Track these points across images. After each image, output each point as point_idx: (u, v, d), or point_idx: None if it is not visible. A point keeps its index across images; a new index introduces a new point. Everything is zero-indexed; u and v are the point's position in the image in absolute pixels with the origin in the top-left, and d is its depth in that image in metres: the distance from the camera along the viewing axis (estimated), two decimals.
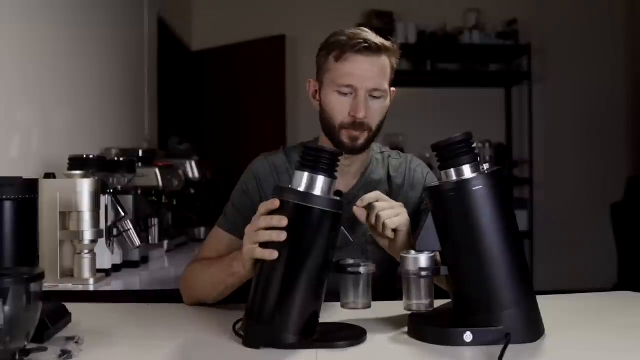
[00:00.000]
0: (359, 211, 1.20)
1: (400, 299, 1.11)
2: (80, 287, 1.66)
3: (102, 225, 1.79)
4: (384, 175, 1.47)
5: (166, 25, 4.01)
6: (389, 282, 1.47)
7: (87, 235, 1.68)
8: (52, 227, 1.64)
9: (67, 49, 2.35)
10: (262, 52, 4.70)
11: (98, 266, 1.75)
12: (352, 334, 1.08)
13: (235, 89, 4.76)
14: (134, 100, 3.32)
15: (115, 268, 1.89)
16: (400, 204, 1.24)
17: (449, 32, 4.69)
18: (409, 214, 1.26)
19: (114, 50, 2.96)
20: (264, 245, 1.04)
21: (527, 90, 4.70)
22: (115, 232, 1.88)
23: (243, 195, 1.43)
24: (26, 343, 0.90)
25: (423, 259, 1.07)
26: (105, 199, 1.83)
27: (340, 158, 1.09)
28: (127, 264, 1.97)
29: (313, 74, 1.45)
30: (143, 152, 2.54)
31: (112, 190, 1.89)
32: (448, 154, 1.07)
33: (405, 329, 1.11)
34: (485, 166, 1.07)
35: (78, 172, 1.73)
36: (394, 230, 1.20)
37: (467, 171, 1.06)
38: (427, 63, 4.73)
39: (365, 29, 1.37)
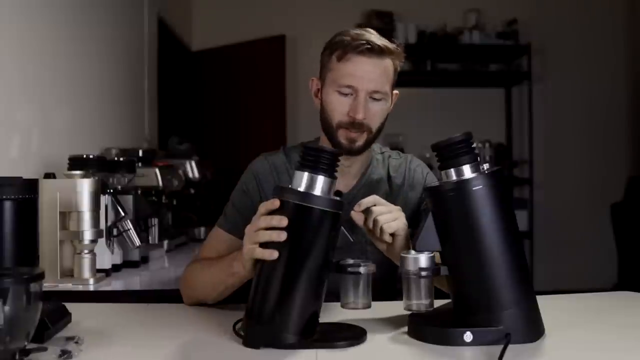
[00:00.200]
0: (356, 215, 1.19)
1: (400, 299, 1.11)
2: (80, 287, 1.66)
3: (102, 225, 1.79)
4: (384, 175, 1.47)
5: (166, 25, 4.01)
6: (389, 282, 1.46)
7: (87, 235, 1.68)
8: (52, 227, 1.64)
9: (67, 49, 2.35)
10: (262, 52, 4.70)
11: (98, 266, 1.75)
12: (352, 334, 1.08)
13: (235, 89, 4.76)
14: (134, 100, 3.32)
15: (115, 268, 1.89)
16: (398, 207, 1.23)
17: (449, 32, 4.69)
18: (409, 214, 1.25)
19: (114, 50, 2.96)
20: (264, 245, 1.04)
21: (527, 90, 4.70)
22: (115, 232, 1.88)
23: (243, 195, 1.43)
24: (26, 343, 0.90)
25: (423, 259, 1.07)
26: (105, 199, 1.83)
27: (340, 158, 1.09)
28: (127, 264, 1.97)
29: (313, 73, 1.45)
30: (143, 152, 2.54)
31: (112, 190, 1.89)
32: (448, 154, 1.07)
33: (405, 329, 1.11)
34: (485, 166, 1.07)
35: (78, 172, 1.73)
36: (392, 235, 1.20)
37: (467, 171, 1.06)
38: (427, 63, 4.72)
39: (370, 30, 1.36)
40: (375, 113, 1.34)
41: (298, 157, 1.08)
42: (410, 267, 1.07)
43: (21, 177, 1.09)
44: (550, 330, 1.09)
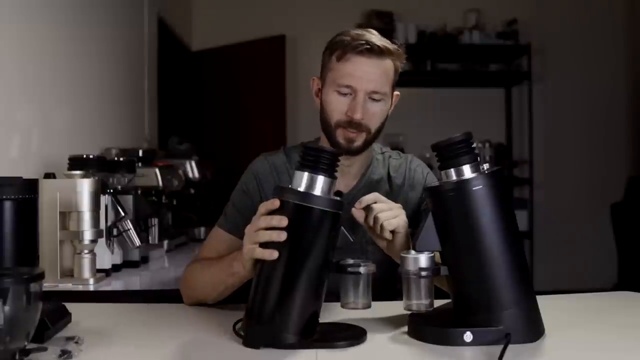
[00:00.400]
0: (357, 213, 1.20)
1: (400, 299, 1.11)
2: (80, 287, 1.66)
3: (102, 225, 1.79)
4: (384, 175, 1.47)
5: (166, 25, 4.01)
6: (389, 282, 1.46)
7: (87, 235, 1.68)
8: (52, 227, 1.64)
9: (67, 49, 2.35)
10: (262, 52, 4.70)
11: (98, 266, 1.75)
12: (352, 334, 1.08)
13: (235, 89, 4.76)
14: (134, 100, 3.32)
15: (115, 268, 1.89)
16: (399, 205, 1.23)
17: (449, 32, 4.69)
18: (409, 214, 1.25)
19: (114, 50, 2.96)
20: (264, 245, 1.04)
21: (527, 90, 4.70)
22: (115, 232, 1.88)
23: (243, 195, 1.43)
24: (26, 343, 0.90)
25: (423, 259, 1.07)
26: (105, 199, 1.83)
27: (340, 158, 1.09)
28: (127, 264, 1.97)
29: (313, 73, 1.45)
30: (143, 152, 2.54)
31: (112, 190, 1.89)
32: (448, 154, 1.07)
33: (405, 329, 1.11)
34: (485, 166, 1.07)
35: (78, 172, 1.73)
36: (392, 232, 1.20)
37: (467, 171, 1.06)
38: (427, 63, 4.72)
39: (371, 30, 1.36)
40: (374, 113, 1.34)
41: (298, 157, 1.08)
42: (410, 267, 1.07)
43: (21, 177, 1.09)
44: (550, 330, 1.09)
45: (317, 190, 1.04)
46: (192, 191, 2.95)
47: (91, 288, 1.67)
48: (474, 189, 1.04)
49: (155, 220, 2.18)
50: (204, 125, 4.81)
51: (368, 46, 1.31)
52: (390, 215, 1.19)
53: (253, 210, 1.11)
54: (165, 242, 2.39)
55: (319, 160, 1.05)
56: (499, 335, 1.01)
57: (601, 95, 4.86)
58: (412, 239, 1.11)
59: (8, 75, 1.90)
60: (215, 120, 4.83)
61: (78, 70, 2.47)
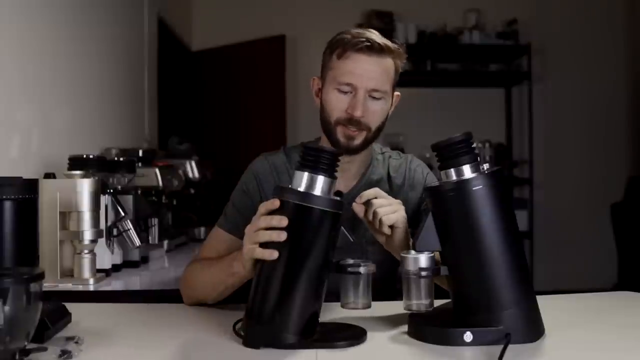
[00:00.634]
0: (357, 207, 1.20)
1: (400, 299, 1.11)
2: (80, 287, 1.66)
3: (102, 225, 1.79)
4: (384, 175, 1.47)
5: (166, 25, 4.01)
6: (389, 282, 1.47)
7: (87, 235, 1.68)
8: (52, 227, 1.64)
9: (67, 49, 2.35)
10: (262, 52, 4.70)
11: (98, 266, 1.75)
12: (352, 334, 1.08)
13: (235, 89, 4.76)
14: (134, 100, 3.32)
15: (115, 268, 1.89)
16: (398, 201, 1.24)
17: (449, 32, 4.69)
18: (409, 214, 1.26)
19: (114, 50, 2.96)
20: (264, 245, 1.04)
21: (527, 90, 4.70)
22: (115, 232, 1.88)
23: (243, 195, 1.43)
24: (26, 343, 0.90)
25: (423, 259, 1.07)
26: (105, 199, 1.83)
27: (340, 158, 1.09)
28: (127, 264, 1.97)
29: (313, 73, 1.45)
30: (143, 152, 2.54)
31: (112, 190, 1.89)
32: (448, 154, 1.07)
33: (405, 329, 1.11)
34: (485, 166, 1.07)
35: (78, 172, 1.73)
36: (391, 227, 1.20)
37: (467, 171, 1.06)
38: (427, 63, 4.72)
39: (372, 30, 1.36)
40: (374, 112, 1.34)
41: (298, 157, 1.08)
42: (410, 267, 1.07)
43: (21, 177, 1.09)
44: (550, 330, 1.09)
45: (317, 190, 1.04)
46: (192, 191, 2.95)
47: (91, 288, 1.67)
48: (474, 189, 1.04)
49: (155, 220, 2.18)
50: (204, 125, 4.81)
51: (369, 43, 1.31)
52: (390, 210, 1.19)
53: (253, 210, 1.11)
54: (165, 242, 2.39)
55: (319, 160, 1.05)
56: (499, 335, 1.01)
57: (601, 95, 4.86)
58: (412, 239, 1.11)
59: (8, 75, 1.90)
60: (215, 120, 4.83)
61: (78, 70, 2.47)
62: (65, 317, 1.17)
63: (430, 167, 1.59)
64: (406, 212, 1.24)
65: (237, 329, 1.09)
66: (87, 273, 1.69)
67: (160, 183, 2.36)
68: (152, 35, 3.64)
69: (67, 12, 2.37)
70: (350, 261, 1.07)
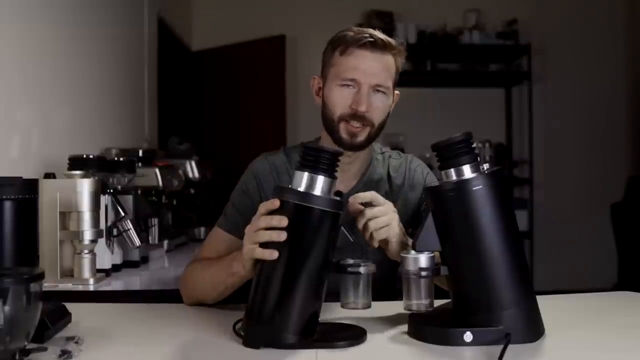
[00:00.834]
0: (352, 206, 1.18)
1: (400, 299, 1.11)
2: (80, 287, 1.66)
3: (102, 225, 1.79)
4: (384, 175, 1.47)
5: (166, 25, 4.01)
6: (389, 282, 1.46)
7: (87, 235, 1.68)
8: (52, 227, 1.64)
9: (67, 49, 2.35)
10: (262, 52, 4.70)
11: (98, 266, 1.75)
12: (352, 334, 1.08)
13: (235, 89, 4.76)
14: (134, 100, 3.32)
15: (115, 268, 1.89)
16: (394, 209, 1.21)
17: (449, 32, 4.69)
18: (409, 214, 1.25)
19: (114, 50, 2.96)
20: (264, 245, 1.04)
21: (527, 90, 4.70)
22: (115, 232, 1.88)
23: (243, 195, 1.43)
24: (26, 343, 0.90)
25: (423, 259, 1.07)
26: (105, 199, 1.83)
27: (340, 158, 1.09)
28: (127, 264, 1.97)
29: (313, 73, 1.45)
30: (143, 152, 2.54)
31: (112, 190, 1.89)
32: (448, 154, 1.07)
33: (405, 329, 1.11)
34: (485, 166, 1.07)
35: (78, 172, 1.72)
36: (385, 240, 1.18)
37: (467, 171, 1.06)
38: (427, 63, 4.72)
39: (372, 30, 1.37)
40: (377, 107, 1.34)
41: (298, 157, 1.08)
42: (410, 267, 1.07)
43: (21, 177, 1.09)
44: (550, 330, 1.09)
45: (317, 190, 1.04)
46: (192, 191, 2.95)
47: (91, 288, 1.67)
48: (474, 189, 1.04)
49: (155, 220, 2.18)
50: (204, 125, 4.81)
51: (372, 40, 1.31)
52: (382, 223, 1.17)
53: (253, 210, 1.11)
54: (165, 242, 2.39)
55: (319, 160, 1.05)
56: (499, 335, 1.01)
57: (601, 95, 4.86)
58: (412, 239, 1.11)
59: (8, 75, 1.90)
60: (215, 120, 4.83)
61: (78, 70, 2.47)
62: (65, 317, 1.17)
63: (430, 167, 1.59)
64: (406, 212, 1.24)
65: (237, 329, 1.09)
66: (87, 273, 1.69)
67: (160, 183, 2.36)
68: (152, 35, 3.64)
69: (67, 12, 2.37)
70: (350, 261, 1.07)
